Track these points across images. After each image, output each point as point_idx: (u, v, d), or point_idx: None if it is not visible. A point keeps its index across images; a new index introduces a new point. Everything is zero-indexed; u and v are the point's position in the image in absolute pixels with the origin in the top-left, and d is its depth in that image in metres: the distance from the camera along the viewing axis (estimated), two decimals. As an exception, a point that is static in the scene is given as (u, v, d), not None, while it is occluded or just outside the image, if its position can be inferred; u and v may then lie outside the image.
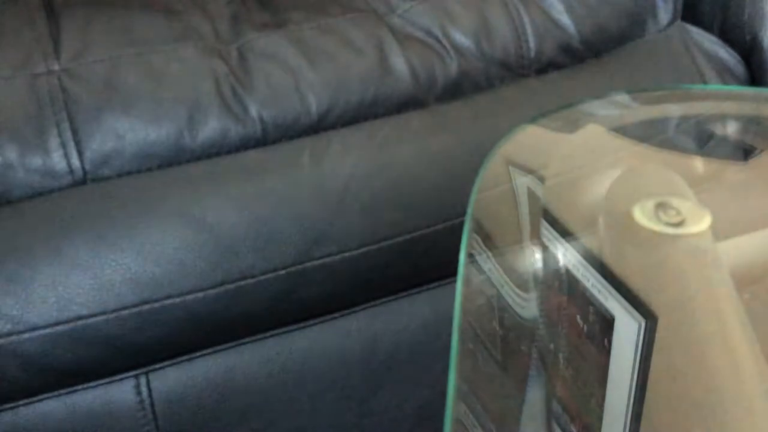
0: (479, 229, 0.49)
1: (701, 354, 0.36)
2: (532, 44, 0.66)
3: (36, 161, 0.55)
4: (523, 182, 0.46)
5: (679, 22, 0.72)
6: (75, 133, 0.56)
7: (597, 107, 0.50)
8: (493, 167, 0.49)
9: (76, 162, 0.56)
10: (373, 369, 0.63)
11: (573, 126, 0.49)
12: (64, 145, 0.56)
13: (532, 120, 0.50)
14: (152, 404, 0.58)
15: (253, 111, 0.59)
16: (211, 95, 0.58)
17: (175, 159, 0.58)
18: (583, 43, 0.68)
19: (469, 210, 0.48)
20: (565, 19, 0.68)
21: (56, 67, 0.59)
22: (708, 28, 0.72)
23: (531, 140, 0.50)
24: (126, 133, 0.57)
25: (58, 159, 0.56)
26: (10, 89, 0.57)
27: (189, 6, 0.65)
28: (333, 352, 0.62)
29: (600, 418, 0.42)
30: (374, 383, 0.64)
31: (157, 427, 0.59)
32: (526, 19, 0.66)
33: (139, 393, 0.58)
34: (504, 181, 0.48)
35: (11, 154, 0.55)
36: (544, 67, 0.67)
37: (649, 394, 0.38)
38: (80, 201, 0.56)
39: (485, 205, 0.49)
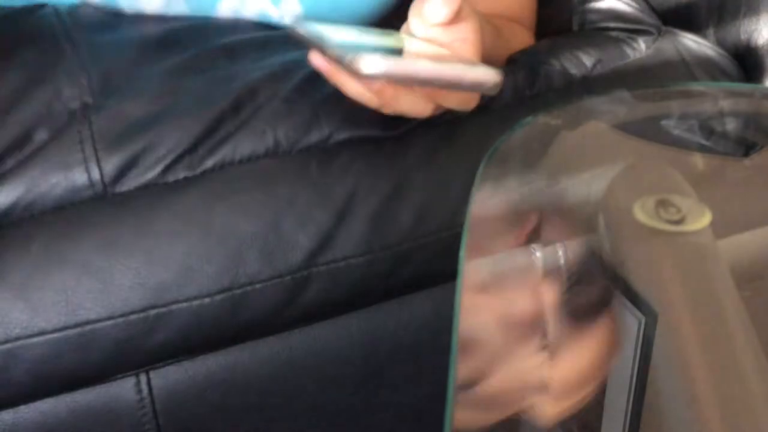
0: (480, 227, 0.49)
1: (701, 351, 0.36)
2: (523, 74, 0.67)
3: (58, 177, 0.55)
4: (523, 179, 0.46)
5: (666, 28, 0.72)
6: (96, 150, 0.56)
7: (598, 105, 0.50)
8: (494, 164, 0.49)
9: (96, 176, 0.57)
10: (374, 367, 0.63)
11: (574, 123, 0.49)
12: (86, 160, 0.56)
13: (534, 117, 0.50)
14: (153, 402, 0.58)
15: (268, 127, 0.59)
16: (227, 111, 0.58)
17: (191, 172, 0.58)
18: None
19: (470, 207, 0.48)
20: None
21: (90, 100, 0.58)
22: (704, 27, 0.72)
23: (532, 137, 0.50)
24: (145, 150, 0.57)
25: (78, 175, 0.56)
26: (49, 125, 0.57)
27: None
28: (333, 350, 0.62)
29: (600, 416, 0.42)
30: (375, 381, 0.64)
31: (158, 425, 0.59)
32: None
33: (139, 391, 0.58)
34: (505, 178, 0.48)
35: (34, 171, 0.55)
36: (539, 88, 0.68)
37: (648, 391, 0.38)
38: (94, 208, 0.56)
39: (486, 202, 0.49)
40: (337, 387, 0.63)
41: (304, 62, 0.59)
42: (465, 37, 0.51)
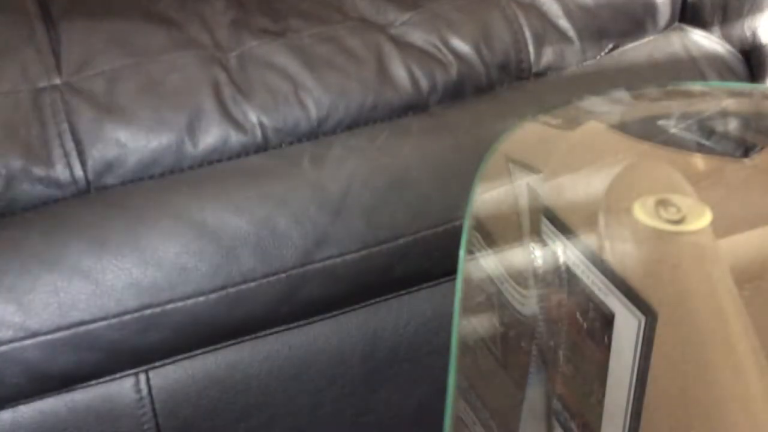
0: (479, 227, 0.49)
1: (701, 351, 0.36)
2: (531, 48, 0.67)
3: (39, 172, 0.56)
4: (523, 179, 0.46)
5: (677, 23, 0.72)
6: (77, 143, 0.57)
7: (597, 104, 0.50)
8: (493, 164, 0.49)
9: (78, 171, 0.57)
10: (374, 366, 0.63)
11: (573, 123, 0.49)
12: (66, 155, 0.56)
13: (533, 117, 0.50)
14: (152, 401, 0.58)
15: (253, 117, 0.59)
16: (211, 103, 0.59)
17: (176, 166, 0.59)
18: (582, 45, 0.68)
19: (469, 207, 0.48)
20: (563, 23, 0.68)
21: (58, 81, 0.60)
22: (709, 24, 0.72)
23: (531, 137, 0.50)
24: (127, 141, 0.57)
25: (61, 169, 0.56)
26: (13, 104, 0.58)
27: (188, 15, 0.66)
28: (333, 349, 0.62)
29: (600, 415, 0.42)
30: (374, 380, 0.64)
31: (158, 425, 0.59)
32: (524, 24, 0.67)
33: (138, 390, 0.58)
34: (504, 178, 0.48)
35: (15, 164, 0.55)
36: (544, 71, 0.67)
37: (648, 391, 0.38)
38: (82, 207, 0.56)
39: (485, 202, 0.49)
40: (336, 386, 0.63)
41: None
42: None
